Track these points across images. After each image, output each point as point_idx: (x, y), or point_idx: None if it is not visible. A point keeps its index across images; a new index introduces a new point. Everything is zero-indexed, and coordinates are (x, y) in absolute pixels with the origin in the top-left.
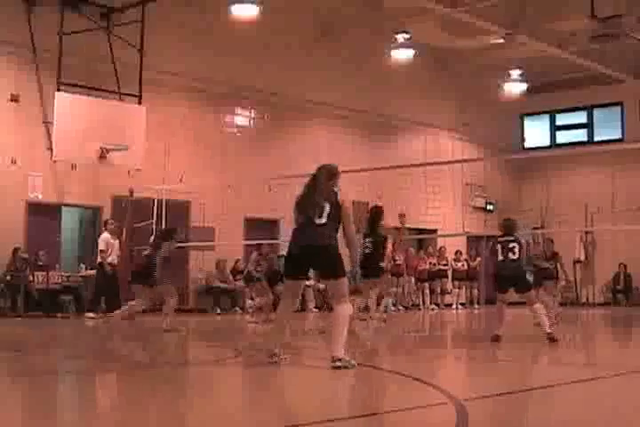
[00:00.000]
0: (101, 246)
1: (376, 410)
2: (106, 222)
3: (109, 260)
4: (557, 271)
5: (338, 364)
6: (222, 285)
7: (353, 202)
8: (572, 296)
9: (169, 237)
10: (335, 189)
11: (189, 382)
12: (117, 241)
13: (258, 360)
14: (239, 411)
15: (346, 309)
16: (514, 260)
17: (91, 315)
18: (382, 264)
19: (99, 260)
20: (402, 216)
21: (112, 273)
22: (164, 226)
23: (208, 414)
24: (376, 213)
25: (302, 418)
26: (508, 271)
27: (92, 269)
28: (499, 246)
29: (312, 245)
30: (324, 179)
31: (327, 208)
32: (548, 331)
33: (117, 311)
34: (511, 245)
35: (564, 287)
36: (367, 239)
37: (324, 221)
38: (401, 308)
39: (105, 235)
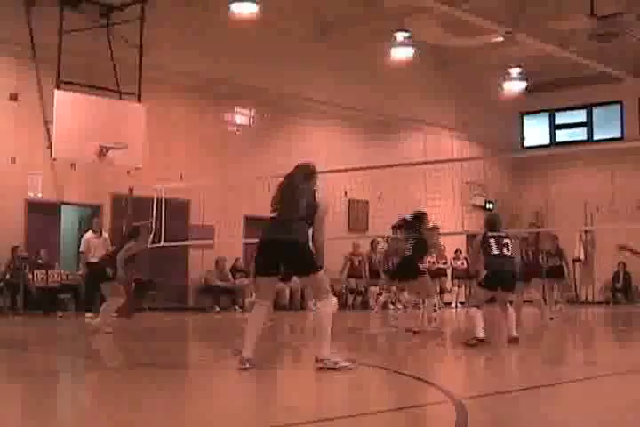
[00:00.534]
0: (81, 247)
1: (375, 409)
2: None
3: (93, 259)
4: (563, 268)
5: (320, 365)
6: (222, 283)
7: (354, 201)
8: (571, 295)
9: (131, 236)
10: (314, 188)
11: (187, 381)
12: (102, 239)
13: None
14: (236, 410)
15: (327, 304)
16: (510, 256)
17: (89, 315)
18: (421, 266)
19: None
20: (436, 229)
21: (97, 272)
22: (163, 224)
23: (206, 413)
24: (420, 218)
25: (301, 417)
26: (505, 267)
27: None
28: (492, 242)
29: (282, 240)
30: (299, 178)
31: (302, 205)
32: (514, 334)
33: (97, 319)
34: (505, 240)
35: (564, 286)
36: (409, 241)
37: (296, 216)
38: (400, 306)
39: (87, 234)
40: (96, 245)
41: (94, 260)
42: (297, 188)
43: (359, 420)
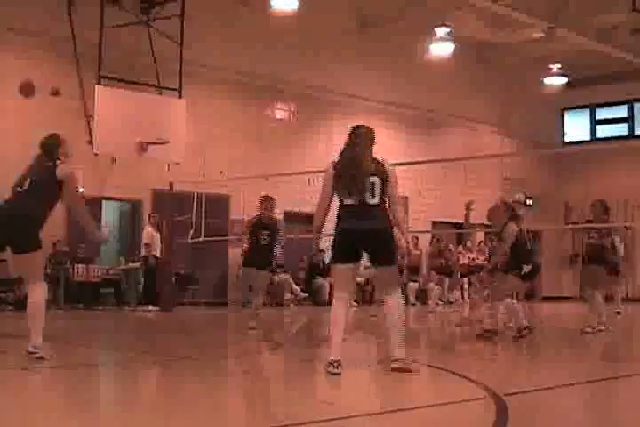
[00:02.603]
0: (146, 239)
1: (415, 404)
2: (149, 216)
3: (154, 253)
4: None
5: (397, 364)
6: None
7: None
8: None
9: None
10: (379, 158)
11: (227, 374)
12: (158, 234)
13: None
14: (275, 403)
15: (397, 300)
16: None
17: (151, 308)
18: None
19: (143, 253)
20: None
21: (156, 266)
22: (203, 220)
23: (244, 404)
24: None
25: (339, 412)
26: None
27: (133, 262)
28: (525, 234)
29: (367, 228)
30: (364, 143)
31: (378, 183)
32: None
33: None
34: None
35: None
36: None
37: (376, 201)
38: (440, 303)
39: (148, 228)
40: (157, 239)
41: (154, 253)
42: (365, 158)
43: (398, 415)
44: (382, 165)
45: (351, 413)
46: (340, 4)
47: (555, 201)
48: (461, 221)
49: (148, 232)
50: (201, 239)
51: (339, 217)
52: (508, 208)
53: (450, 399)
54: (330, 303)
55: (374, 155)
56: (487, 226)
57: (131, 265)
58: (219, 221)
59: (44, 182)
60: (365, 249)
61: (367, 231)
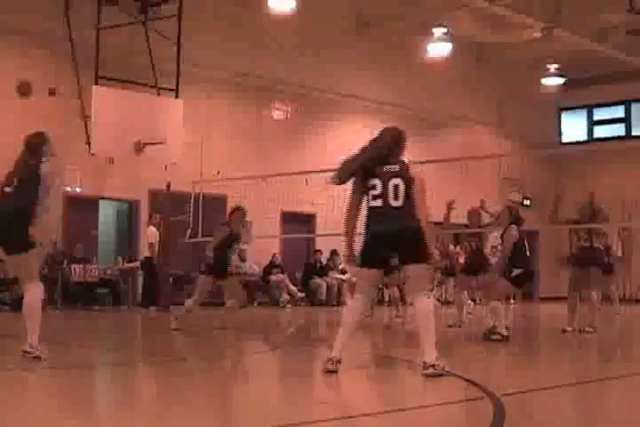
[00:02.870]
0: (151, 239)
1: (413, 405)
2: (151, 216)
3: (156, 253)
4: (613, 266)
5: (430, 371)
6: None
7: None
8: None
9: None
10: (405, 160)
11: (226, 374)
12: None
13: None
14: (274, 404)
15: (427, 300)
16: None
17: (155, 308)
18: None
19: (147, 253)
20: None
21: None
22: (200, 220)
23: (242, 404)
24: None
25: (341, 412)
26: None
27: (130, 262)
28: (525, 240)
29: (392, 231)
30: (371, 148)
31: (401, 186)
32: (500, 331)
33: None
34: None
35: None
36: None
37: (400, 203)
38: (437, 303)
39: (151, 228)
40: (158, 239)
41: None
42: (383, 155)
43: (395, 415)
44: (407, 168)
45: (351, 413)
46: (338, 4)
47: (552, 201)
48: (461, 222)
49: (153, 232)
50: (198, 239)
51: (367, 220)
52: (512, 212)
53: (448, 400)
54: (327, 304)
55: (401, 156)
56: (467, 226)
57: (128, 265)
58: (216, 222)
59: (30, 181)
60: (393, 253)
61: (392, 234)
